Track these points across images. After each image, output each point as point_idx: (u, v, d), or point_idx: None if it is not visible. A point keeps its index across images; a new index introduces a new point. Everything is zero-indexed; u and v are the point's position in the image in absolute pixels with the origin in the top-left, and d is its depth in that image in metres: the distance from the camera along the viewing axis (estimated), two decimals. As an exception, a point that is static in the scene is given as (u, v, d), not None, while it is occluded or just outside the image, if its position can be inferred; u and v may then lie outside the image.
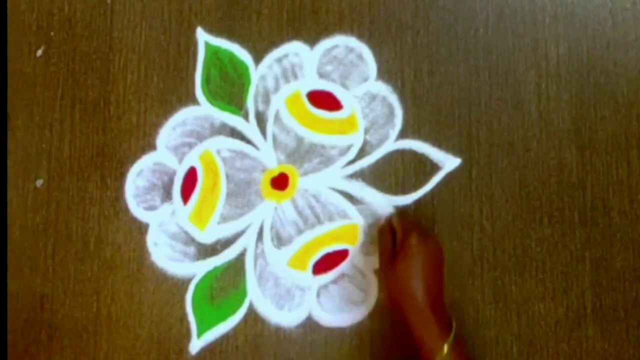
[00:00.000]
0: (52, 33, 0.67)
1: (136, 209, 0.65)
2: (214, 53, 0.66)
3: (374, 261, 0.63)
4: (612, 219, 0.63)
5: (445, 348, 0.51)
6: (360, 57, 0.66)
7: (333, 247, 0.64)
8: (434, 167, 0.64)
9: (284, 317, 0.63)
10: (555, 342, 0.62)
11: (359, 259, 0.63)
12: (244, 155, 0.65)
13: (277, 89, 0.66)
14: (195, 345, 0.63)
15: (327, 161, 0.65)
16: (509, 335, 0.62)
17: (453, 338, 0.52)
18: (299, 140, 0.65)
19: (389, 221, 0.61)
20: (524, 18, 0.65)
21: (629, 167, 0.64)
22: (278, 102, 0.66)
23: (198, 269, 0.64)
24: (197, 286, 0.63)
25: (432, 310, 0.53)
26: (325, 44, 0.66)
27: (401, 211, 0.62)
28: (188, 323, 0.63)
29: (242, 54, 0.66)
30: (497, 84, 0.65)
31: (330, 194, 0.64)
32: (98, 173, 0.65)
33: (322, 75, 0.66)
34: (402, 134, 0.65)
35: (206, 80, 0.66)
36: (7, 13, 0.68)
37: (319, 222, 0.64)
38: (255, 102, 0.66)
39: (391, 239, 0.58)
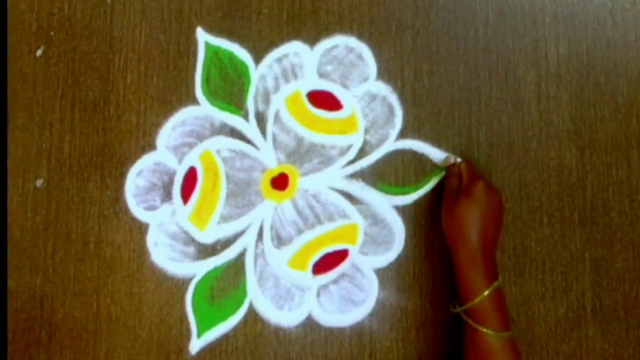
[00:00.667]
0: (52, 33, 0.67)
1: (136, 209, 0.65)
2: (214, 53, 0.66)
3: (374, 261, 0.63)
4: (612, 219, 0.63)
5: (487, 292, 0.53)
6: (360, 57, 0.66)
7: (333, 247, 0.64)
8: (434, 167, 0.64)
9: (284, 317, 0.63)
10: (555, 342, 0.62)
11: (359, 259, 0.63)
12: (244, 155, 0.65)
13: (277, 88, 0.66)
14: (195, 345, 0.63)
15: (327, 161, 0.65)
16: (509, 335, 0.62)
17: (496, 287, 0.53)
18: (299, 140, 0.65)
19: (457, 165, 0.61)
20: (524, 18, 0.65)
21: (629, 167, 0.64)
22: (278, 102, 0.66)
23: (198, 269, 0.64)
24: (197, 286, 0.63)
25: (482, 254, 0.54)
26: (325, 44, 0.66)
27: (472, 163, 0.62)
28: (188, 323, 0.63)
29: (242, 53, 0.66)
30: (497, 84, 0.65)
31: (330, 194, 0.64)
32: (98, 173, 0.65)
33: (322, 75, 0.66)
34: (402, 134, 0.65)
35: (206, 80, 0.66)
36: (7, 13, 0.68)
37: (319, 222, 0.64)
38: (255, 102, 0.66)
39: (457, 181, 0.59)
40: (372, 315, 0.62)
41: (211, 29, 0.67)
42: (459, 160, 0.62)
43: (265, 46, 0.66)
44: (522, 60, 0.65)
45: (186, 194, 0.65)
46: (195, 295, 0.63)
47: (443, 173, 0.63)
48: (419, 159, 0.64)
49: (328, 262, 0.63)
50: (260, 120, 0.66)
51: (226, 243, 0.64)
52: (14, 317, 0.64)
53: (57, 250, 0.65)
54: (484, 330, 0.53)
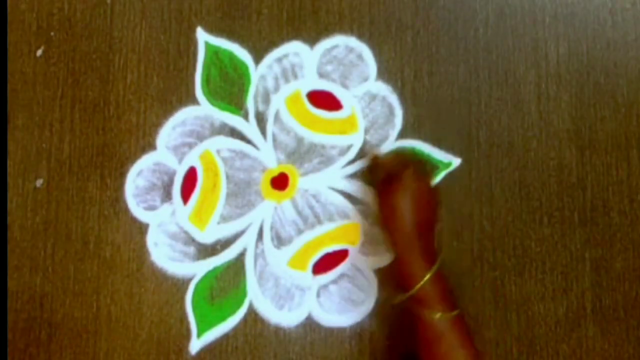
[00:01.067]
0: (52, 33, 0.67)
1: (136, 209, 0.65)
2: (214, 53, 0.66)
3: (374, 261, 0.63)
4: (612, 219, 0.63)
5: (427, 276, 0.53)
6: (360, 57, 0.66)
7: (333, 247, 0.64)
8: (434, 167, 0.64)
9: (284, 317, 0.63)
10: (555, 342, 0.62)
11: (359, 259, 0.63)
12: (244, 155, 0.65)
13: (277, 88, 0.66)
14: (195, 345, 0.63)
15: (327, 161, 0.65)
16: (508, 336, 0.62)
17: (436, 270, 0.53)
18: (299, 140, 0.65)
19: (377, 157, 0.62)
20: (524, 18, 0.65)
21: (629, 167, 0.64)
22: (278, 102, 0.66)
23: (198, 269, 0.64)
24: (197, 286, 0.63)
25: (418, 239, 0.55)
26: (325, 44, 0.66)
27: (397, 151, 0.63)
28: (188, 323, 0.63)
29: (242, 53, 0.66)
30: (497, 84, 0.65)
31: (330, 194, 0.64)
32: (98, 173, 0.65)
33: (322, 75, 0.66)
34: (402, 134, 0.65)
35: (206, 80, 0.66)
36: (7, 13, 0.68)
37: (319, 222, 0.64)
38: (255, 102, 0.66)
39: (383, 172, 0.60)
40: (372, 315, 0.62)
41: (211, 29, 0.67)
42: (379, 153, 0.63)
43: (265, 46, 0.66)
44: (522, 60, 0.65)
45: (186, 194, 0.65)
46: (195, 295, 0.63)
47: (443, 173, 0.63)
48: (419, 159, 0.64)
49: (328, 262, 0.63)
50: (260, 120, 0.66)
51: (226, 243, 0.64)
52: (14, 317, 0.64)
53: (57, 250, 0.65)
54: (429, 313, 0.53)
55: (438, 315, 0.52)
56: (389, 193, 0.56)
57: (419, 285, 0.53)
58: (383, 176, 0.60)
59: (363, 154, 0.64)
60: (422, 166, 0.63)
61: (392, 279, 0.62)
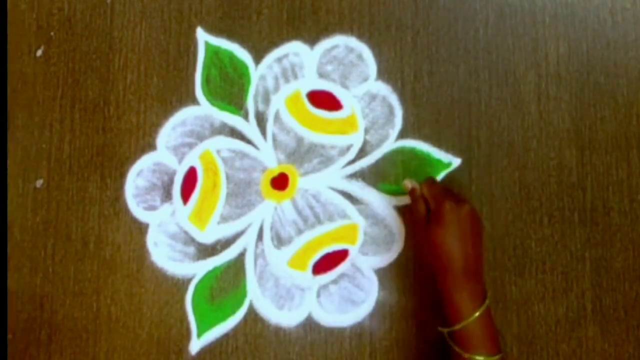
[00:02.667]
0: (52, 33, 0.67)
1: (136, 209, 0.65)
2: (214, 53, 0.66)
3: (374, 261, 0.63)
4: (612, 219, 0.63)
5: (475, 314, 0.50)
6: (360, 57, 0.66)
7: (333, 247, 0.64)
8: (434, 167, 0.64)
9: (284, 317, 0.63)
10: (555, 342, 0.62)
11: (359, 259, 0.63)
12: (244, 155, 0.65)
13: (277, 88, 0.66)
14: (195, 345, 0.63)
15: (327, 161, 0.65)
16: (509, 336, 0.62)
17: (484, 309, 0.51)
18: (299, 140, 0.65)
19: (419, 189, 0.58)
20: (524, 18, 0.65)
21: (629, 167, 0.64)
22: (278, 102, 0.66)
23: (198, 269, 0.64)
24: (197, 286, 0.63)
25: (467, 278, 0.52)
26: (325, 44, 0.66)
27: (431, 181, 0.59)
28: (188, 323, 0.63)
29: (242, 53, 0.66)
30: (497, 84, 0.65)
31: (330, 194, 0.64)
32: (98, 173, 0.65)
33: (322, 75, 0.66)
34: (402, 134, 0.65)
35: (206, 80, 0.66)
36: (7, 13, 0.68)
37: (319, 222, 0.64)
38: (255, 102, 0.66)
39: (424, 207, 0.57)
40: (372, 315, 0.62)
41: (211, 29, 0.67)
42: (415, 185, 0.60)
43: (265, 46, 0.66)
44: (522, 60, 0.65)
45: (186, 194, 0.65)
46: (195, 295, 0.63)
47: (443, 173, 0.63)
48: (419, 159, 0.64)
49: (328, 262, 0.63)
50: (260, 120, 0.66)
51: (226, 243, 0.64)
52: (14, 317, 0.64)
53: (57, 250, 0.65)
54: (472, 354, 0.50)
55: (481, 358, 0.50)
56: (431, 232, 0.53)
57: (464, 323, 0.51)
58: (422, 212, 0.56)
59: (404, 187, 0.60)
60: (455, 192, 0.59)
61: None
